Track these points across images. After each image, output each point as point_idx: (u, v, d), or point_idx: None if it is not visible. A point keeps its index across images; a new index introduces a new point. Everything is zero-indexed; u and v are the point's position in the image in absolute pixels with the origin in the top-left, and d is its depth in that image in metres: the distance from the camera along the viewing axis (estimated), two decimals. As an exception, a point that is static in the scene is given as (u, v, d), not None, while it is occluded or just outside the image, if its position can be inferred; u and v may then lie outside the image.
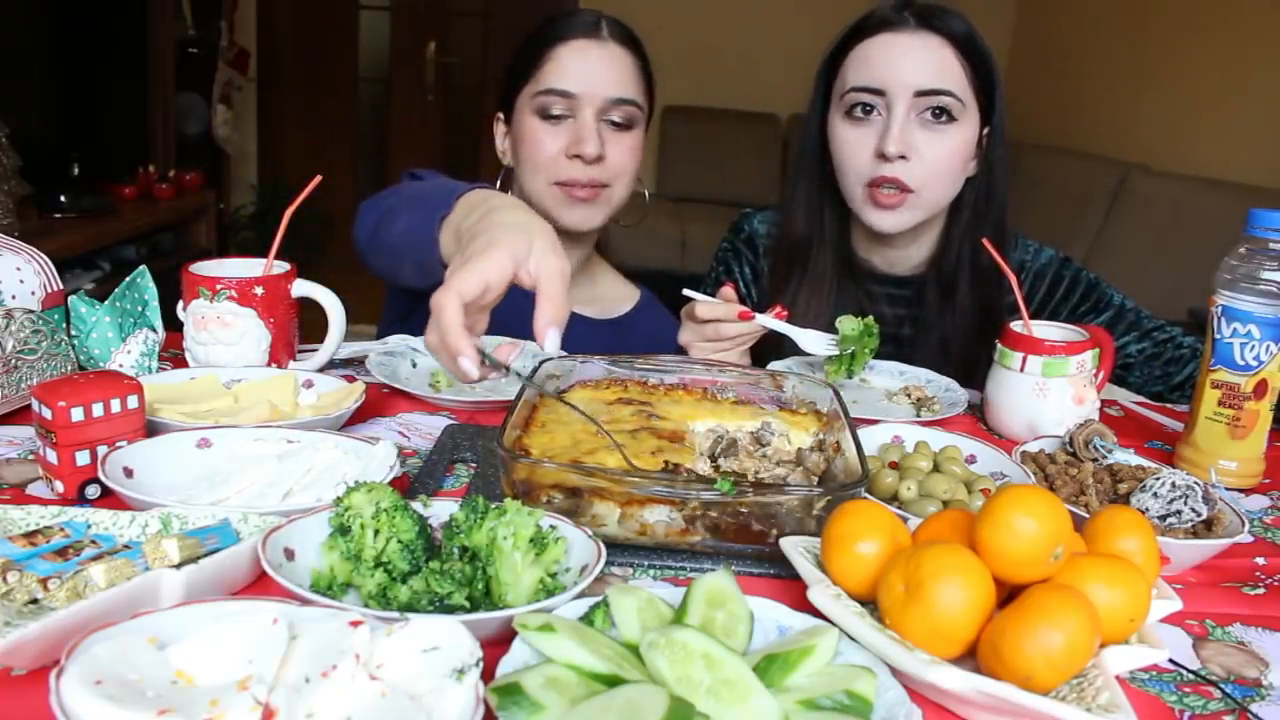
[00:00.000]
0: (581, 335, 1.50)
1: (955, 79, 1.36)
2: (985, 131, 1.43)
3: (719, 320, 1.25)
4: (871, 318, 1.26)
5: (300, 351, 1.21)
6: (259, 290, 1.12)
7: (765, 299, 1.53)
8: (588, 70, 1.44)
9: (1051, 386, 1.16)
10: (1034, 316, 1.48)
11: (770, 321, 1.26)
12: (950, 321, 1.48)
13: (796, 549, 0.76)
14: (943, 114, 1.36)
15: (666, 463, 0.89)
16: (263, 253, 1.17)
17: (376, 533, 0.70)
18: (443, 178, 1.47)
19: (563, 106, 1.44)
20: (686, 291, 1.30)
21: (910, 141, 1.37)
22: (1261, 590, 0.87)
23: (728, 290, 1.29)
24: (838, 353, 1.26)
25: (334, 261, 4.59)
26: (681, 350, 1.31)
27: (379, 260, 1.28)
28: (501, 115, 1.55)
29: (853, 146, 1.41)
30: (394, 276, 1.26)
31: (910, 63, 1.36)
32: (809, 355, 1.30)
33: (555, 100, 1.43)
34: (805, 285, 1.50)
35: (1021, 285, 1.48)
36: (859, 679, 0.62)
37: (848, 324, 1.25)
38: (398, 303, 1.55)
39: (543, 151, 1.45)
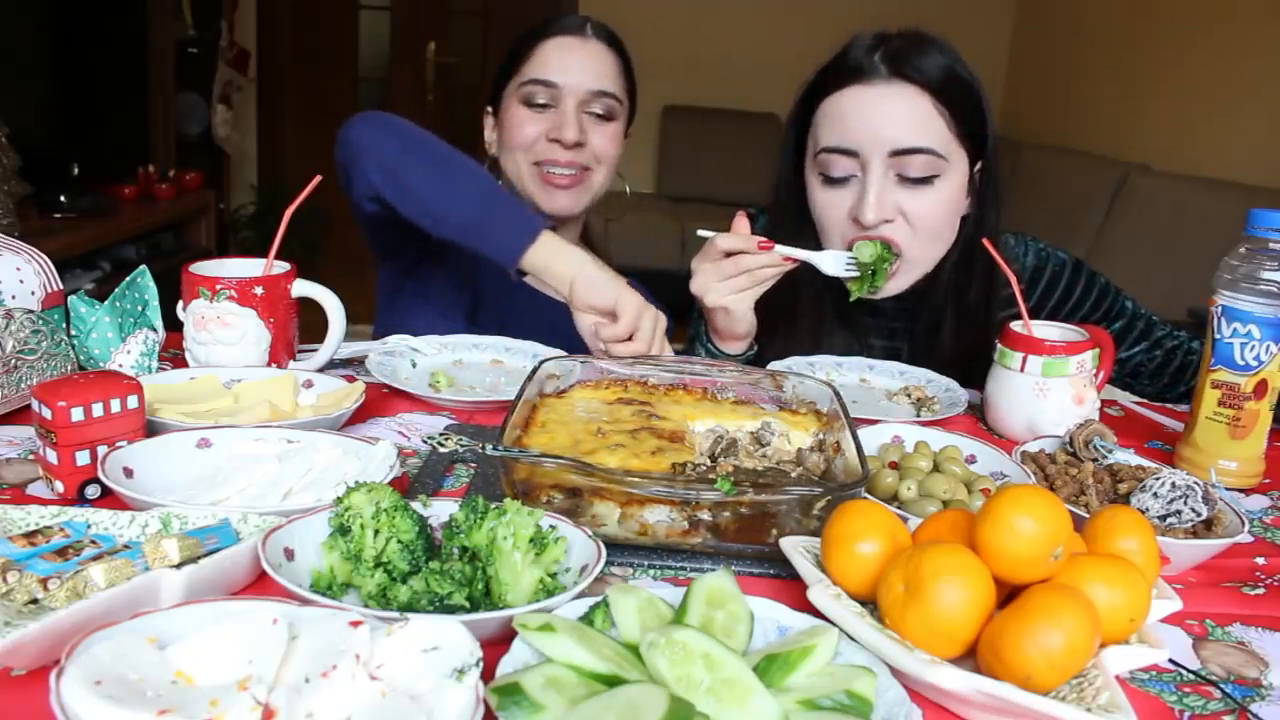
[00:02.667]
0: (568, 324, 1.51)
1: (935, 133, 1.27)
2: (977, 169, 1.34)
3: (739, 252, 1.23)
4: (881, 244, 1.26)
5: (300, 351, 1.21)
6: (259, 290, 1.12)
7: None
8: (570, 63, 1.50)
9: (1051, 386, 1.16)
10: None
11: (789, 250, 1.24)
12: (936, 358, 1.40)
13: (796, 549, 0.76)
14: (923, 179, 1.27)
15: (674, 465, 0.89)
16: (263, 253, 1.17)
17: (376, 533, 0.70)
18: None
19: (546, 96, 1.50)
20: (701, 231, 1.27)
21: (891, 204, 1.28)
22: (1261, 590, 0.87)
23: (741, 220, 1.26)
24: (857, 274, 1.28)
25: (334, 261, 4.59)
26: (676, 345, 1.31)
27: (380, 173, 1.30)
28: (490, 109, 1.61)
29: (831, 211, 1.33)
30: (374, 189, 1.31)
31: (884, 120, 1.26)
32: (831, 276, 1.31)
33: (539, 89, 1.50)
34: (794, 327, 1.42)
35: (1030, 290, 1.44)
36: (859, 679, 0.62)
37: (865, 249, 1.27)
38: (387, 279, 1.59)
39: (524, 134, 1.51)
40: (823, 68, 1.34)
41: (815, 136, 1.33)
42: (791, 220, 1.40)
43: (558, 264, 1.22)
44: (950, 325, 1.40)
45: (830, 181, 1.32)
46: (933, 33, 1.32)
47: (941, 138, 1.28)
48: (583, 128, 1.50)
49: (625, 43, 1.58)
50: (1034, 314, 1.21)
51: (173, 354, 1.24)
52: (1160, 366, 1.45)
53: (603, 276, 1.21)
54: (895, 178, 1.28)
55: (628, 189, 1.68)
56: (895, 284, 1.34)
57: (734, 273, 1.23)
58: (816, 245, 1.37)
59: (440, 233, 1.27)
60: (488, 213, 1.25)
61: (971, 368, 1.33)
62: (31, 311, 1.03)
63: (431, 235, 1.29)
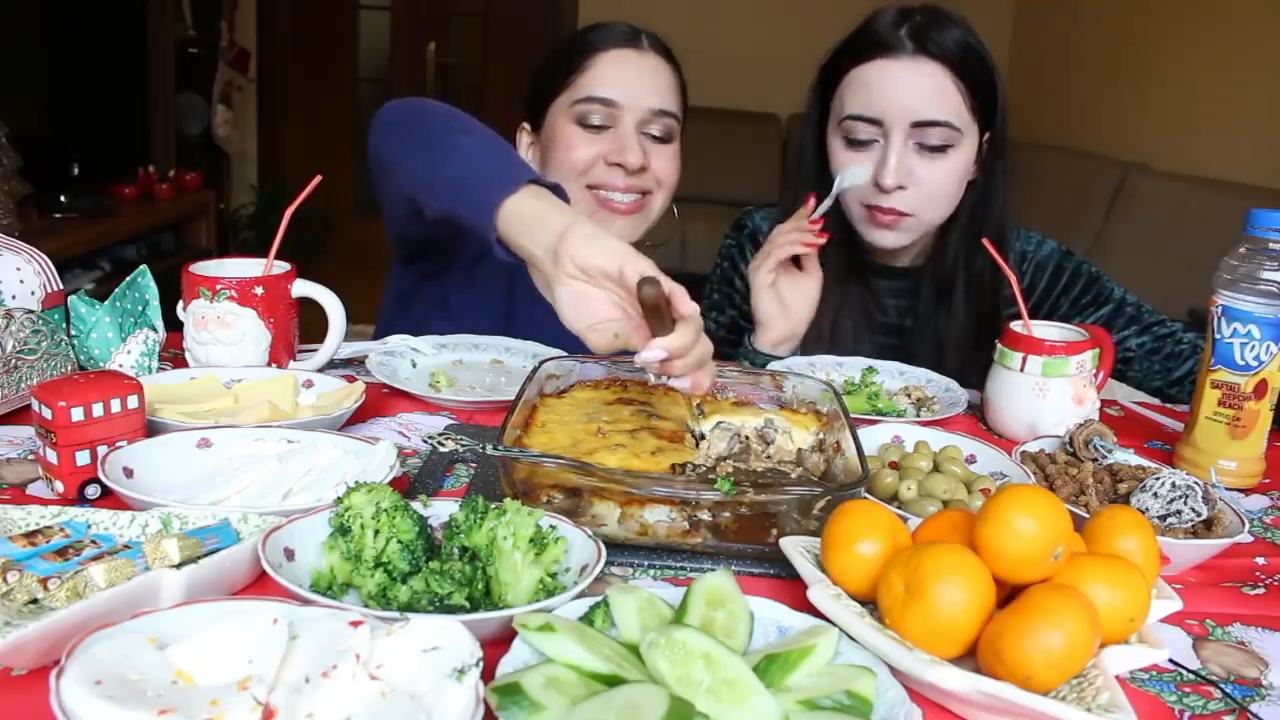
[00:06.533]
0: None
1: (952, 107, 1.35)
2: (985, 138, 1.42)
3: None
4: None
5: (300, 351, 1.21)
6: (259, 290, 1.12)
7: None
8: (630, 79, 1.41)
9: (1051, 386, 1.16)
10: (1035, 308, 1.50)
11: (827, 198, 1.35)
12: (943, 323, 1.48)
13: (796, 549, 0.76)
14: (938, 148, 1.36)
15: (674, 465, 0.89)
16: (263, 253, 1.17)
17: (376, 533, 0.70)
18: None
19: (603, 115, 1.40)
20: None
21: (908, 169, 1.37)
22: (1261, 590, 0.87)
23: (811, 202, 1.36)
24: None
25: (334, 261, 4.60)
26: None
27: (381, 138, 1.21)
28: (528, 125, 1.51)
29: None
30: (406, 186, 1.17)
31: (907, 93, 1.34)
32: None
33: (596, 108, 1.40)
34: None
35: (1022, 277, 1.51)
36: (859, 679, 0.62)
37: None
38: (400, 280, 1.52)
39: (578, 157, 1.41)
40: (847, 39, 1.42)
41: (841, 103, 1.41)
42: (811, 183, 1.47)
43: (545, 219, 0.94)
44: (962, 286, 1.47)
45: (853, 144, 1.40)
46: (948, 8, 1.40)
47: (958, 111, 1.36)
48: (644, 150, 1.41)
49: None
50: (1024, 298, 1.23)
51: (173, 354, 1.24)
52: (1151, 353, 1.47)
53: (604, 232, 0.93)
54: (914, 146, 1.37)
55: (675, 211, 1.55)
56: (897, 239, 1.43)
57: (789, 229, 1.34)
58: (834, 206, 1.45)
59: (433, 205, 1.10)
60: (472, 164, 1.04)
61: (981, 339, 1.39)
62: (31, 311, 1.03)
63: (437, 220, 1.13)
